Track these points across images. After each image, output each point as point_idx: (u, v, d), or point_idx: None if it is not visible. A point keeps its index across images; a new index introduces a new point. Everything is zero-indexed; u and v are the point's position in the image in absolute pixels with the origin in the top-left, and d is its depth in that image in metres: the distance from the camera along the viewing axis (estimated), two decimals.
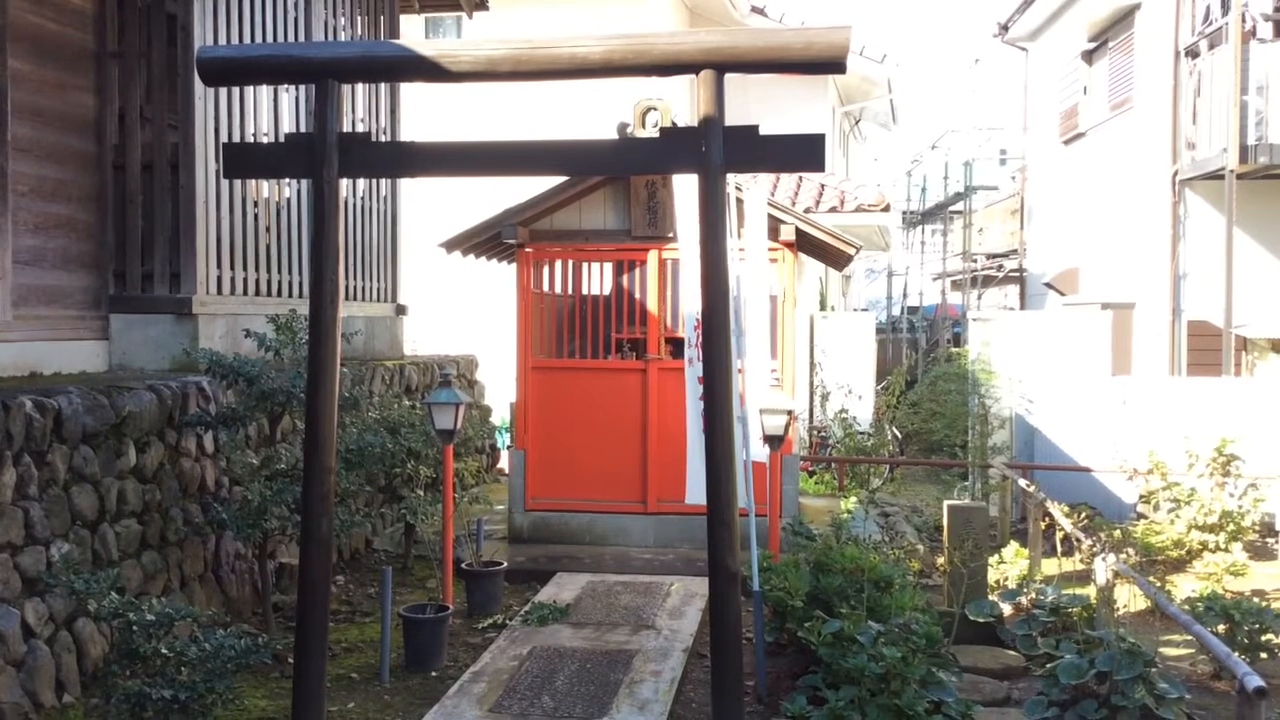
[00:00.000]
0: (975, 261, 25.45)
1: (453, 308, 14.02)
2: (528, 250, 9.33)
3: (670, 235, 9.08)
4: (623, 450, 9.28)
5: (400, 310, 11.86)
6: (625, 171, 7.25)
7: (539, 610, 7.34)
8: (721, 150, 4.84)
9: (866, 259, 25.53)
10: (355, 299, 10.97)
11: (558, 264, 9.89)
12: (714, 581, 5.05)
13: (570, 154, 5.21)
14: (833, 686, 5.23)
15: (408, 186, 12.27)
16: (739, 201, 8.12)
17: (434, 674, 6.47)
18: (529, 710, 5.68)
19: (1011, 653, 6.97)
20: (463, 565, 7.79)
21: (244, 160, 5.60)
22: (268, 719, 5.75)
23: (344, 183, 11.17)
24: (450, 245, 9.21)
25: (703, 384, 5.13)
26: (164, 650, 4.96)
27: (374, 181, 11.46)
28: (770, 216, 8.43)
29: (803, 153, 4.97)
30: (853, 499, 7.69)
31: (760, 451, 7.30)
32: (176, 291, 8.35)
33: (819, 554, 6.23)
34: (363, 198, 11.19)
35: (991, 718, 5.81)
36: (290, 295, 9.69)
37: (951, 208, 26.91)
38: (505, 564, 7.88)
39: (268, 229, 9.26)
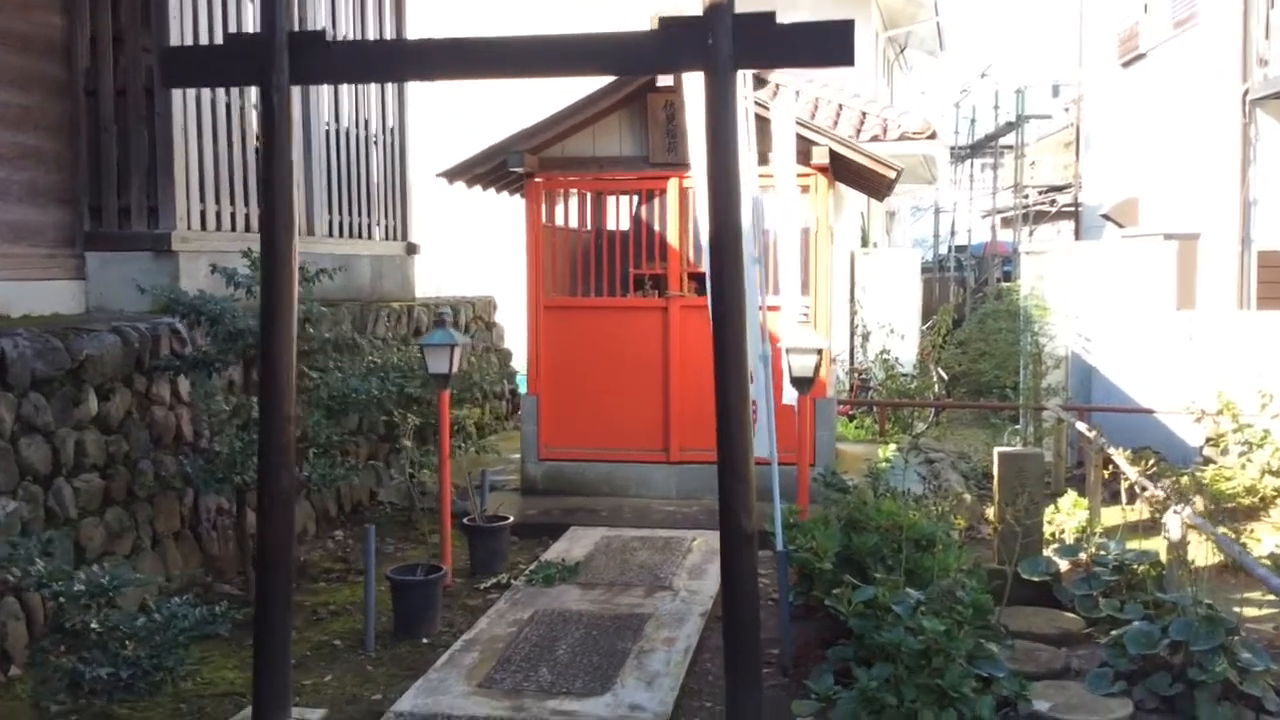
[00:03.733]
0: (1027, 196, 24.34)
1: (472, 247, 13.35)
2: (537, 180, 8.60)
3: (688, 161, 8.29)
4: (643, 395, 8.59)
5: (411, 249, 11.19)
6: (624, 71, 6.48)
7: (546, 569, 6.71)
8: (730, 42, 4.10)
9: (912, 195, 24.51)
10: (361, 236, 10.31)
11: (571, 195, 9.14)
12: (726, 544, 4.37)
13: (561, 50, 4.45)
14: (865, 663, 4.54)
15: (418, 118, 11.55)
16: (763, 120, 7.32)
17: (425, 641, 5.86)
18: (522, 685, 5.05)
19: (1070, 615, 6.23)
20: (464, 520, 7.16)
21: (184, 66, 4.90)
22: (235, 693, 5.17)
23: (345, 112, 10.53)
24: (451, 174, 8.49)
25: (711, 319, 4.41)
26: (95, 625, 4.34)
27: (381, 111, 10.76)
28: (800, 138, 7.63)
29: (829, 43, 4.21)
30: (894, 446, 6.94)
31: (790, 395, 6.59)
32: (155, 227, 7.73)
33: (852, 509, 5.51)
34: (368, 129, 10.49)
35: (1049, 692, 5.09)
36: None
37: (1002, 140, 25.75)
38: (511, 518, 7.24)
39: (258, 149, 8.56)
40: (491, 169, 8.50)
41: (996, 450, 6.72)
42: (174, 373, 6.35)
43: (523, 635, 5.70)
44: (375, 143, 10.61)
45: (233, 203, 8.33)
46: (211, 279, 7.62)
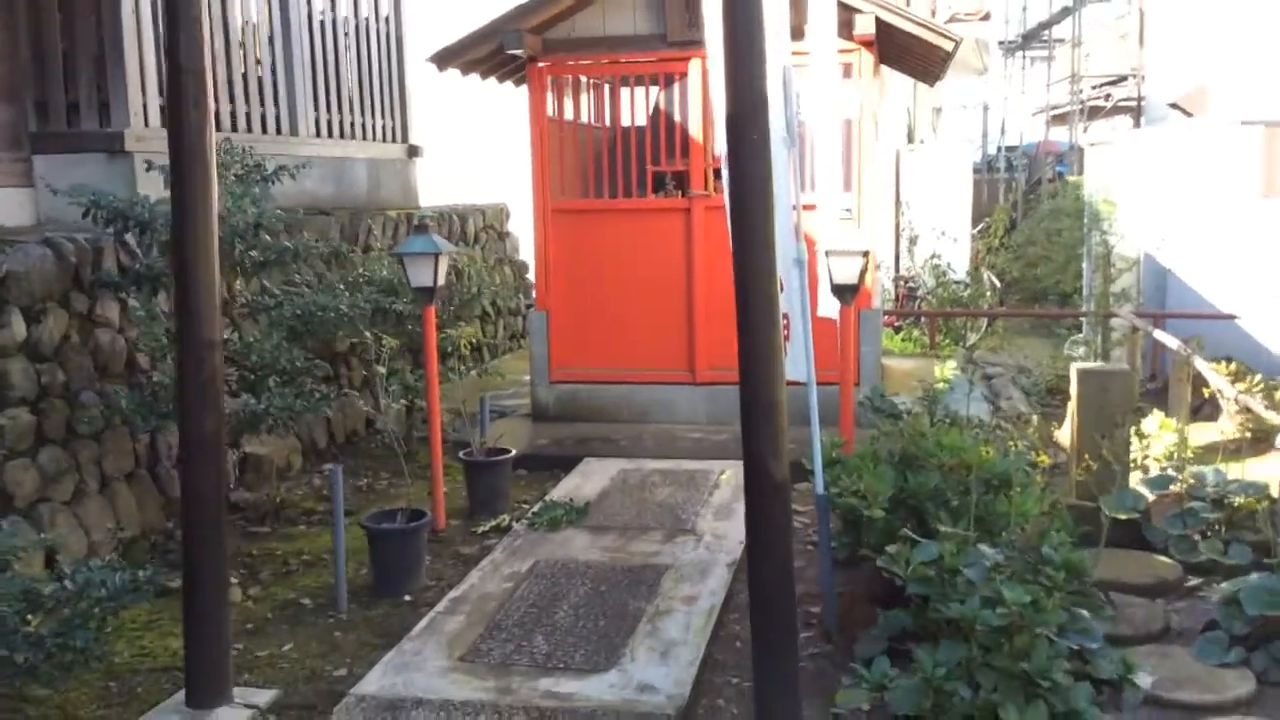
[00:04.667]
0: (1081, 91, 22.81)
1: (482, 150, 12.34)
2: (540, 65, 7.57)
3: None
4: (664, 308, 7.65)
5: (413, 152, 10.22)
6: None
7: (552, 510, 5.85)
8: None
9: (960, 90, 23.06)
10: (355, 137, 9.35)
11: (580, 83, 8.10)
12: (751, 495, 3.48)
13: None
14: (927, 637, 3.64)
15: (419, 5, 10.49)
16: None
17: (407, 598, 5.04)
18: (512, 658, 4.21)
19: (1164, 559, 5.31)
20: (461, 454, 6.31)
21: None
22: (177, 667, 4.36)
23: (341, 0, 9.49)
24: (442, 59, 7.47)
25: (729, 217, 3.47)
26: None
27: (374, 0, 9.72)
28: (841, 4, 6.54)
29: None
30: (949, 363, 5.97)
31: (829, 305, 5.63)
32: (107, 125, 6.80)
33: (907, 441, 4.57)
34: (360, 17, 9.46)
35: (1150, 661, 4.19)
36: (262, 131, 8.10)
37: (1055, 29, 24.13)
38: (515, 451, 6.37)
39: (241, 45, 7.61)
40: (490, 53, 7.47)
41: (1075, 366, 5.73)
42: (117, 291, 5.48)
43: (519, 593, 4.85)
44: (370, 32, 9.59)
45: None
46: None
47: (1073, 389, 5.73)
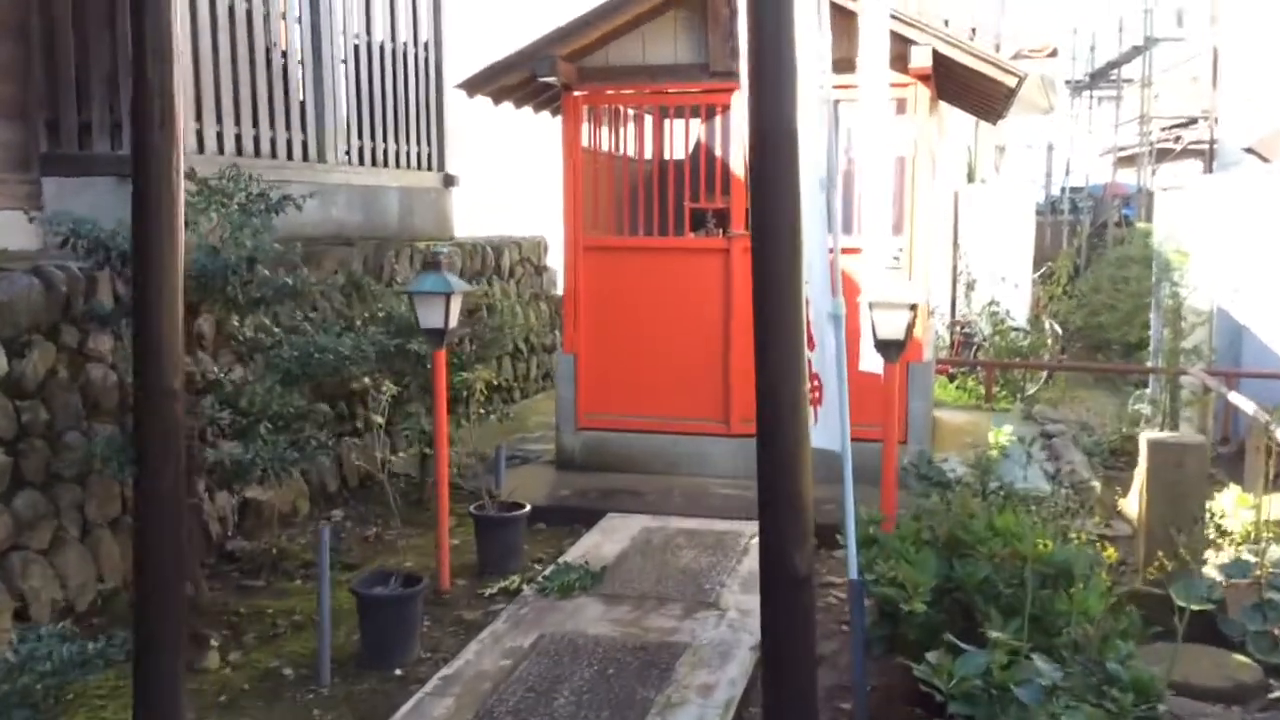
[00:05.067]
0: (1150, 133, 22.09)
1: (520, 181, 11.99)
2: (576, 94, 7.17)
3: None
4: (699, 354, 7.19)
5: (448, 181, 9.88)
6: None
7: (565, 573, 5.39)
8: None
9: (1025, 127, 22.44)
10: (387, 165, 9.02)
11: (617, 114, 7.69)
12: (768, 592, 3.01)
13: None
14: None
15: (459, 32, 10.18)
16: (845, 13, 5.81)
17: (397, 672, 4.60)
18: None
19: (1241, 658, 4.73)
20: (472, 509, 5.89)
21: None
22: None
23: (369, 22, 9.19)
24: (472, 85, 7.11)
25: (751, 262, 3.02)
26: None
27: (412, 25, 9.41)
28: (896, 35, 6.09)
29: None
30: (1008, 429, 5.45)
31: (872, 360, 5.13)
32: (119, 148, 6.51)
33: (953, 521, 4.06)
34: (398, 43, 9.16)
35: None
36: (288, 158, 7.78)
37: (1124, 68, 23.44)
38: (529, 507, 5.93)
39: (271, 49, 7.29)
40: (522, 80, 7.09)
41: (1145, 437, 5.18)
42: (109, 323, 5.13)
43: (518, 673, 4.39)
44: (407, 59, 9.28)
45: (219, 120, 7.08)
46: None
47: (1142, 461, 5.19)
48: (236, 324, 5.27)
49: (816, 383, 4.08)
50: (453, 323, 5.30)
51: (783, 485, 2.95)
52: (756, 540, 5.78)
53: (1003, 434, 5.31)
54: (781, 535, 2.95)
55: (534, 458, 7.76)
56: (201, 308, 4.97)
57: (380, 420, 4.63)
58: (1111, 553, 3.98)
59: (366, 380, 4.61)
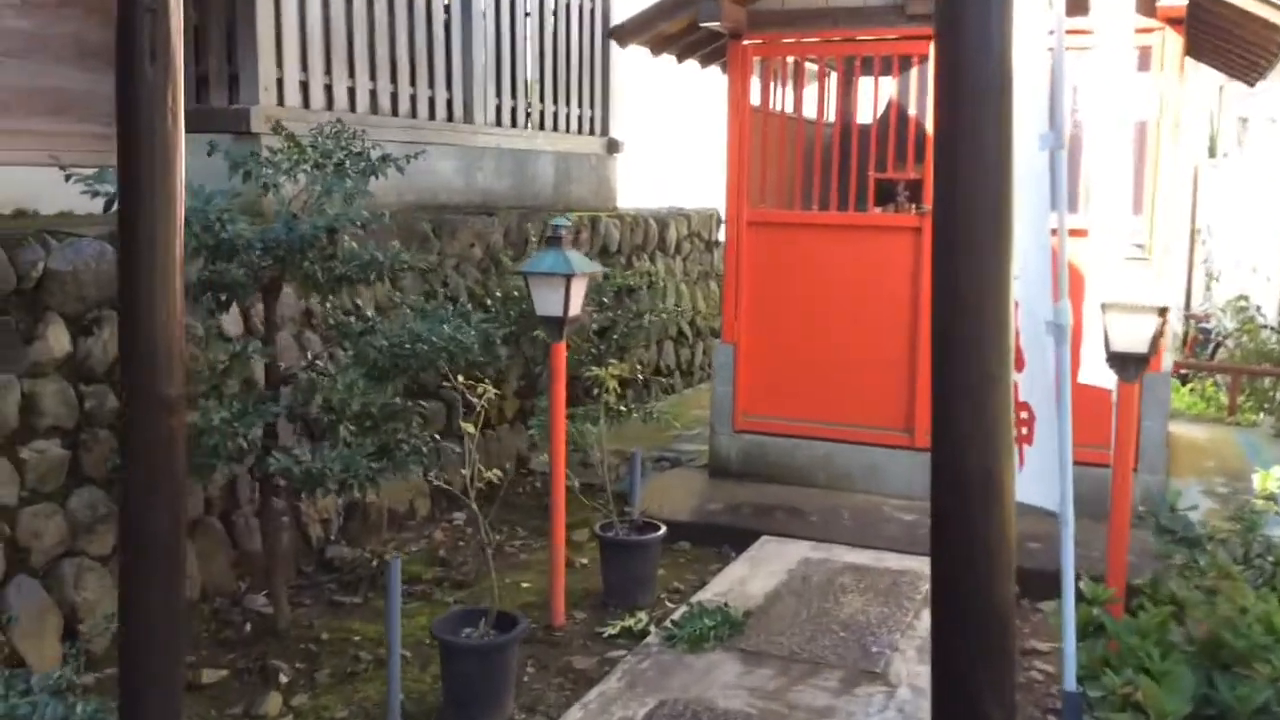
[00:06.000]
0: None
1: (695, 147, 11.01)
2: (745, 43, 6.16)
3: None
4: (881, 351, 6.10)
5: (612, 146, 9.02)
6: None
7: (700, 618, 4.46)
8: None
9: (1272, 97, 19.96)
10: (543, 128, 8.22)
11: (792, 66, 6.63)
12: None
13: None
14: None
15: None
16: None
17: None
18: None
19: None
20: (598, 528, 5.02)
21: None
22: None
23: None
24: (623, 33, 6.20)
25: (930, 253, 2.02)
26: None
27: None
28: None
29: None
30: (1276, 472, 4.18)
31: (1098, 371, 3.99)
32: (235, 101, 5.90)
33: (1216, 620, 2.92)
34: None
35: None
36: (429, 117, 7.06)
37: None
38: (664, 529, 5.02)
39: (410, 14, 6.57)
40: (684, 27, 6.13)
41: None
42: (200, 296, 4.45)
43: None
44: (568, 9, 8.44)
45: (350, 73, 6.42)
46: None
47: None
48: (321, 305, 4.53)
49: (1025, 414, 3.00)
50: (574, 310, 4.41)
51: (968, 592, 1.94)
52: None
53: (1272, 479, 4.06)
54: (965, 671, 1.93)
55: (686, 459, 6.84)
56: (280, 285, 4.23)
57: (472, 430, 3.80)
58: None
59: (458, 379, 3.78)
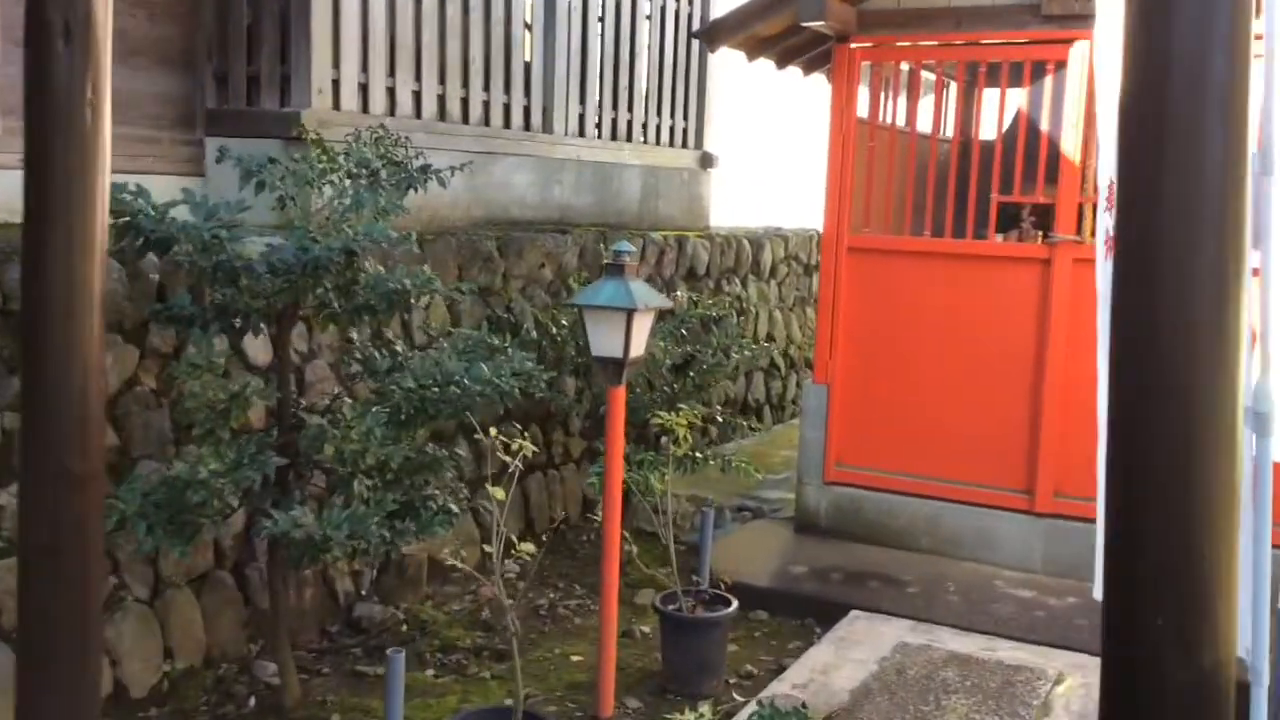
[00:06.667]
0: None
1: (796, 163, 10.27)
2: (853, 46, 5.45)
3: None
4: (996, 400, 5.33)
5: (706, 161, 8.36)
6: None
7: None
8: None
9: None
10: (632, 139, 7.62)
11: (907, 74, 5.90)
12: None
13: None
14: None
15: None
16: None
17: None
18: None
19: None
20: (658, 602, 4.36)
21: None
22: None
23: None
24: (715, 34, 5.53)
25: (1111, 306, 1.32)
26: None
27: None
28: None
29: None
30: None
31: None
32: (286, 104, 5.41)
33: None
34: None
35: None
36: (504, 125, 6.50)
37: None
38: (735, 604, 4.33)
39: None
40: (784, 28, 5.44)
41: None
42: (191, 325, 3.92)
43: None
44: (663, 14, 7.82)
45: (414, 75, 5.89)
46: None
47: None
48: (343, 338, 3.96)
49: None
50: (637, 349, 3.77)
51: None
52: (1066, 688, 3.97)
53: None
54: None
55: (770, 510, 6.13)
56: (295, 314, 3.66)
57: (501, 496, 3.17)
58: None
59: (490, 433, 3.16)
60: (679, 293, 6.99)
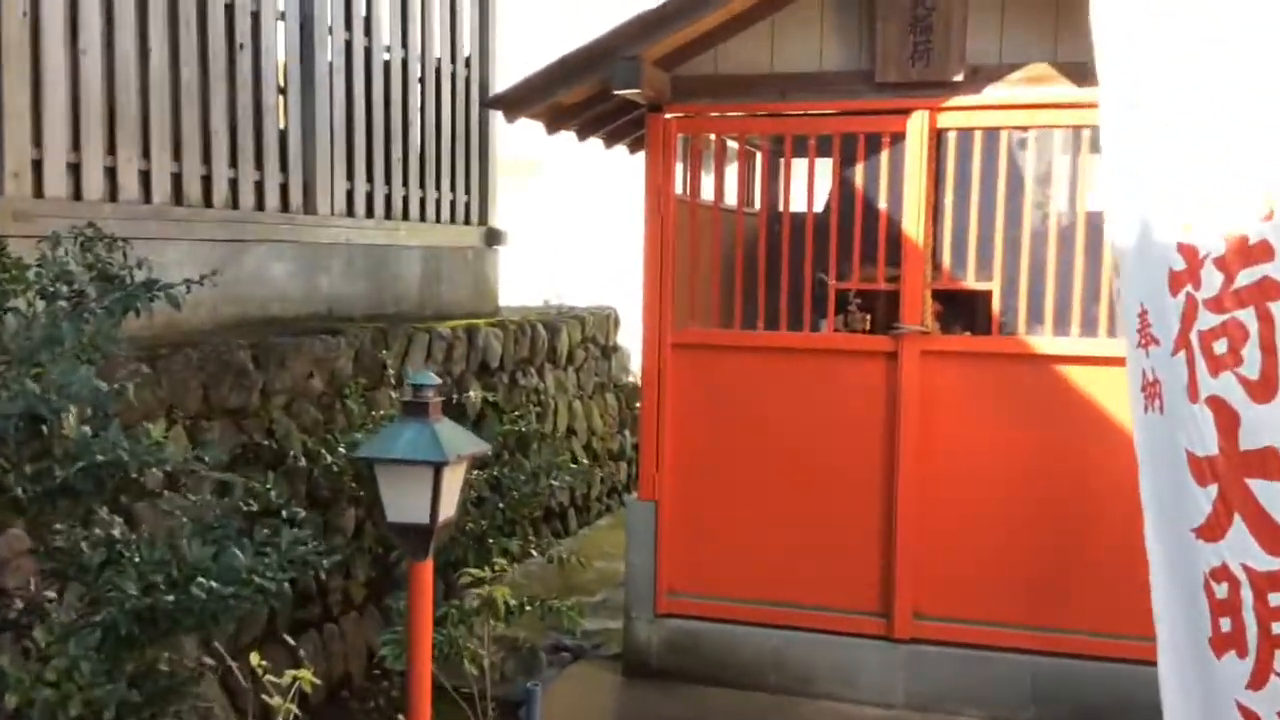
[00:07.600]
0: None
1: (586, 236, 9.64)
2: (667, 116, 4.80)
3: (954, 79, 4.41)
4: (845, 511, 4.73)
5: (493, 238, 7.56)
6: None
7: None
8: None
9: None
10: (408, 217, 6.73)
11: (723, 145, 5.30)
12: None
13: None
14: None
15: (511, 49, 7.90)
16: None
17: None
18: None
19: None
20: None
21: None
22: None
23: (404, 32, 6.87)
24: (511, 103, 4.76)
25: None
26: None
27: (449, 36, 7.13)
28: None
29: None
30: None
31: None
32: None
33: None
34: (428, 59, 6.87)
35: None
36: (256, 207, 5.51)
37: None
38: None
39: (236, 50, 4.99)
40: (589, 95, 4.74)
41: None
42: None
43: None
44: (438, 78, 7.00)
45: (146, 154, 4.83)
46: None
47: None
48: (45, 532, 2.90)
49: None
50: (448, 510, 2.90)
51: None
52: None
53: None
54: None
55: (591, 648, 5.30)
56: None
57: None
58: None
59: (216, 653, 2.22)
60: (471, 392, 6.13)
